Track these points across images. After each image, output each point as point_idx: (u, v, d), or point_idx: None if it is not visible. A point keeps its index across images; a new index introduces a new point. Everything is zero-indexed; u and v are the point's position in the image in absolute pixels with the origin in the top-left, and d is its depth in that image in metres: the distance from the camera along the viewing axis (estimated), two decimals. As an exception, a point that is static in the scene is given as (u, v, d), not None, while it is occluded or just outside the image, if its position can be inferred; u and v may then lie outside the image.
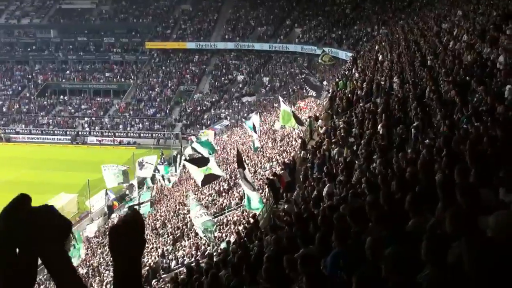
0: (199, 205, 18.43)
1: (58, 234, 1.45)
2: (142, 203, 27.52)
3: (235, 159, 30.29)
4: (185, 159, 28.33)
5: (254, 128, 27.34)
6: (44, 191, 37.88)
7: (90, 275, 22.83)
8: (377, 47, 34.05)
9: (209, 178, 22.98)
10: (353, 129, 16.22)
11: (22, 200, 1.50)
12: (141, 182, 35.85)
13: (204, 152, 28.53)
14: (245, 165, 17.61)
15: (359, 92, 21.11)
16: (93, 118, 61.40)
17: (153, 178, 34.73)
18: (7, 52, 73.39)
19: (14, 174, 43.47)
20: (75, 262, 24.89)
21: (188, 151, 36.65)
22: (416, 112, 13.45)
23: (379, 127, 14.20)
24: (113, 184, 34.04)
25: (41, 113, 63.20)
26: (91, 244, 28.34)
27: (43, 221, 1.45)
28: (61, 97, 66.37)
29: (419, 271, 3.75)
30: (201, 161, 22.97)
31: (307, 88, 33.94)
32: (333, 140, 16.45)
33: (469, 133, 9.05)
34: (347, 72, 31.23)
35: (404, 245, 4.33)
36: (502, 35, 16.28)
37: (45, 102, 65.26)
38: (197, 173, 21.37)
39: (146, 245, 22.67)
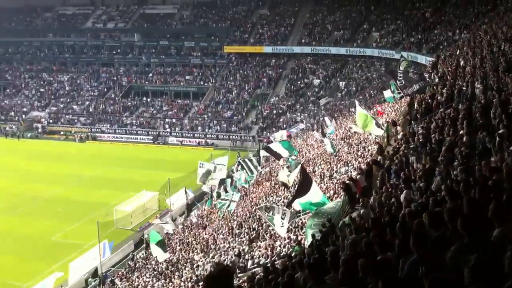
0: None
1: None
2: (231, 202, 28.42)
3: (310, 162, 30.53)
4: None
5: (323, 132, 27.60)
6: (126, 188, 39.82)
7: (170, 271, 23.74)
8: (458, 51, 33.02)
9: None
10: (433, 135, 15.92)
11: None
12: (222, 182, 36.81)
13: (284, 152, 29.23)
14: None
15: (439, 97, 20.64)
16: (174, 120, 63.50)
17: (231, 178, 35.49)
18: (93, 55, 77.49)
19: (99, 171, 45.90)
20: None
21: (263, 153, 37.19)
22: (500, 119, 13.05)
23: (460, 133, 13.89)
24: (200, 182, 35.27)
25: (125, 114, 66.26)
26: (171, 241, 29.38)
27: None
28: (144, 98, 69.27)
29: (502, 282, 3.75)
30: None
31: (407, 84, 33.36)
32: (411, 146, 16.24)
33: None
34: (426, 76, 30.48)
35: (488, 254, 4.34)
36: None
37: (129, 103, 68.34)
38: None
39: (223, 244, 23.23)
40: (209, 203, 34.28)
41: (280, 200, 25.12)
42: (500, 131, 12.18)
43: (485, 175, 8.99)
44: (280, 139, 35.22)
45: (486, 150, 12.18)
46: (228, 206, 28.74)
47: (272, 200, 26.08)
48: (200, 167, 34.79)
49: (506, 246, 4.17)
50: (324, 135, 28.48)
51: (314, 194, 16.98)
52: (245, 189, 33.77)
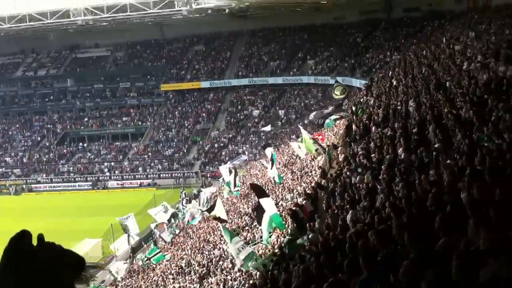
0: (236, 235, 18.23)
1: (71, 269, 1.52)
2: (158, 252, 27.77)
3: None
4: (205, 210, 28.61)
5: (271, 160, 27.65)
6: (68, 238, 38.04)
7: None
8: (390, 72, 34.19)
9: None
10: (373, 155, 16.16)
11: (24, 235, 1.52)
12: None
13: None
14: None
15: (375, 117, 21.12)
16: (113, 163, 62.09)
17: (175, 216, 34.80)
18: (25, 104, 74.96)
19: (38, 223, 43.73)
20: None
21: (211, 190, 36.86)
22: (435, 134, 13.40)
23: (399, 151, 14.13)
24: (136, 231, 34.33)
25: (61, 161, 64.15)
26: (118, 287, 28.27)
27: (55, 254, 1.51)
28: (80, 144, 67.41)
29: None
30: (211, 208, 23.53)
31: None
32: (353, 167, 16.40)
33: (492, 151, 8.99)
34: (362, 99, 31.33)
35: (436, 265, 4.31)
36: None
37: (64, 150, 66.30)
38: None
39: (173, 286, 22.51)
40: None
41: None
42: (436, 146, 12.48)
43: (425, 189, 9.10)
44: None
45: (424, 165, 12.41)
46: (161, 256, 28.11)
47: (220, 234, 25.65)
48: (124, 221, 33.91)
49: (452, 256, 4.15)
50: (272, 164, 28.38)
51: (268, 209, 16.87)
52: (191, 226, 33.15)
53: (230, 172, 34.24)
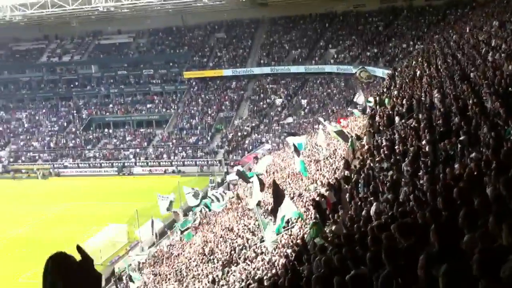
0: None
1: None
2: (187, 229, 27.89)
3: (278, 181, 30.49)
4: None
5: (296, 149, 27.49)
6: (93, 223, 38.94)
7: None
8: (414, 62, 33.84)
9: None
10: (396, 146, 16.13)
11: (63, 257, 1.72)
12: (188, 210, 36.47)
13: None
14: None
15: (399, 108, 21.01)
16: (138, 149, 62.79)
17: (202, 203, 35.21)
18: (51, 89, 76.14)
19: (65, 207, 44.74)
20: None
21: (231, 177, 37.04)
22: (460, 126, 13.32)
23: (423, 143, 14.10)
24: (163, 212, 34.84)
25: (88, 147, 65.13)
26: (142, 274, 28.79)
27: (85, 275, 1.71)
28: (106, 130, 68.42)
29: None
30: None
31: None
32: (377, 159, 16.41)
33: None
34: (385, 89, 31.13)
35: (459, 261, 4.35)
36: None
37: (90, 136, 67.26)
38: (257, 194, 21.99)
39: (196, 272, 22.85)
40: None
41: (250, 223, 24.95)
42: (461, 138, 12.41)
43: (449, 184, 9.10)
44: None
45: (449, 157, 12.37)
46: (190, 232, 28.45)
47: (243, 223, 25.90)
48: (161, 199, 34.39)
49: (473, 251, 4.20)
50: (298, 154, 27.98)
51: (287, 208, 17.19)
52: (215, 214, 33.47)
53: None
